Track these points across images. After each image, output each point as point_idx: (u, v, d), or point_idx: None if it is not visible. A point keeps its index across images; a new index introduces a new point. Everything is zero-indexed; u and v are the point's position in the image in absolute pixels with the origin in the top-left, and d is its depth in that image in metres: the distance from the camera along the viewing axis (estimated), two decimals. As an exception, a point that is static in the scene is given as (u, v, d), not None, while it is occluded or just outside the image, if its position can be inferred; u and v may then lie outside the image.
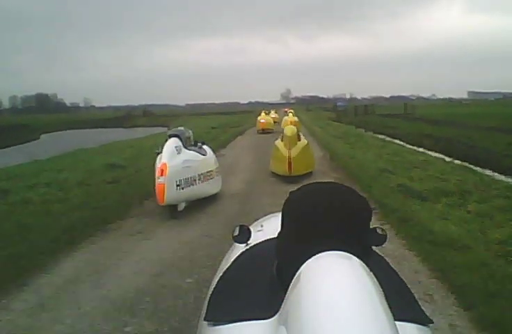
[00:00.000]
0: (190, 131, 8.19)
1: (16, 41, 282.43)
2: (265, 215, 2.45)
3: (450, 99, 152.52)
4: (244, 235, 1.84)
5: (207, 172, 7.85)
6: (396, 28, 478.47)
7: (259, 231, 1.99)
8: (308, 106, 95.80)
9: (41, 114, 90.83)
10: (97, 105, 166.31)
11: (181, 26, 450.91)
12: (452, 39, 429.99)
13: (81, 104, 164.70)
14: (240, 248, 1.80)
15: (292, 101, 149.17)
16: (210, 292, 1.46)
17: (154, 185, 6.74)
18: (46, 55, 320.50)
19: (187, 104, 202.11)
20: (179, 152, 7.15)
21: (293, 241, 1.19)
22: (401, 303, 1.19)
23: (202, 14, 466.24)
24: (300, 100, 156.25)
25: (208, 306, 1.35)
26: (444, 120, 34.19)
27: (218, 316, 1.26)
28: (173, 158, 6.92)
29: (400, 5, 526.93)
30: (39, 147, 27.03)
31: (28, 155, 15.60)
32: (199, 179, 7.44)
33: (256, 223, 2.33)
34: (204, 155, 8.15)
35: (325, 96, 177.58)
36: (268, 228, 1.96)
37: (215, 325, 1.24)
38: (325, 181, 1.36)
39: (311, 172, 10.50)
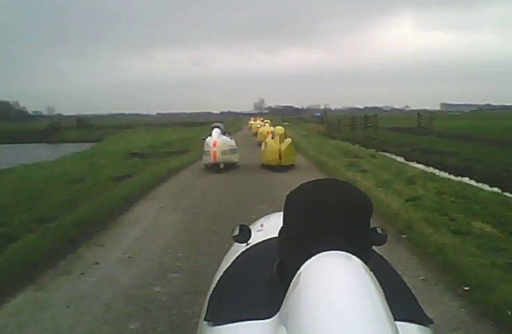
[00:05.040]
0: (222, 125, 13.39)
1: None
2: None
3: (428, 111, 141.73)
4: (244, 235, 1.74)
5: (233, 149, 12.83)
6: (368, 40, 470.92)
7: (259, 231, 1.88)
8: (284, 117, 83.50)
9: (4, 122, 74.60)
10: (66, 113, 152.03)
11: (148, 37, 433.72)
12: (423, 52, 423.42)
13: (45, 113, 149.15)
14: (240, 248, 1.68)
15: (266, 111, 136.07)
16: (210, 292, 1.41)
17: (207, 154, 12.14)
18: (10, 63, 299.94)
19: (158, 114, 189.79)
20: (220, 135, 12.35)
21: (293, 240, 1.13)
22: (401, 303, 1.12)
23: (169, 26, 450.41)
24: (274, 110, 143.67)
25: (208, 306, 1.30)
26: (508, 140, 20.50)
27: (218, 316, 1.21)
28: (219, 138, 12.14)
29: (371, 19, 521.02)
30: None
31: None
32: (229, 152, 12.38)
33: (256, 222, 2.21)
34: (231, 139, 13.16)
35: (299, 106, 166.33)
36: (268, 228, 1.87)
37: (215, 325, 1.19)
38: (325, 178, 1.31)
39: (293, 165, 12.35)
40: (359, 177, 9.13)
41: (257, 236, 1.73)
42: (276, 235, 1.23)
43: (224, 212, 6.97)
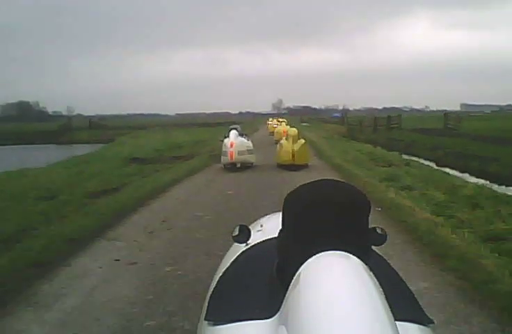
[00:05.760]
0: (239, 127, 14.26)
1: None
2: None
3: (449, 112, 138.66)
4: (244, 235, 1.69)
5: (250, 149, 13.37)
6: (385, 40, 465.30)
7: (258, 231, 1.85)
8: (302, 117, 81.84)
9: (22, 123, 73.64)
10: (85, 114, 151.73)
11: (167, 37, 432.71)
12: (442, 52, 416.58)
13: (64, 113, 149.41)
14: (240, 248, 1.66)
15: (284, 112, 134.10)
16: (210, 292, 1.38)
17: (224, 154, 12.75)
18: (31, 63, 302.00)
19: (177, 114, 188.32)
20: (237, 136, 12.98)
21: (293, 241, 1.12)
22: (401, 303, 1.10)
23: (187, 26, 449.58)
24: (292, 111, 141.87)
25: (208, 306, 1.28)
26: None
27: (218, 316, 1.19)
28: (236, 139, 12.80)
29: (388, 18, 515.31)
30: None
31: None
32: (246, 152, 13.03)
33: (256, 222, 2.15)
34: (248, 140, 13.64)
35: (317, 107, 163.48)
36: (267, 228, 1.83)
37: (215, 325, 1.16)
38: (322, 178, 1.22)
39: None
40: (404, 197, 6.95)
41: (256, 237, 1.70)
42: (276, 235, 1.21)
43: (206, 275, 3.39)
